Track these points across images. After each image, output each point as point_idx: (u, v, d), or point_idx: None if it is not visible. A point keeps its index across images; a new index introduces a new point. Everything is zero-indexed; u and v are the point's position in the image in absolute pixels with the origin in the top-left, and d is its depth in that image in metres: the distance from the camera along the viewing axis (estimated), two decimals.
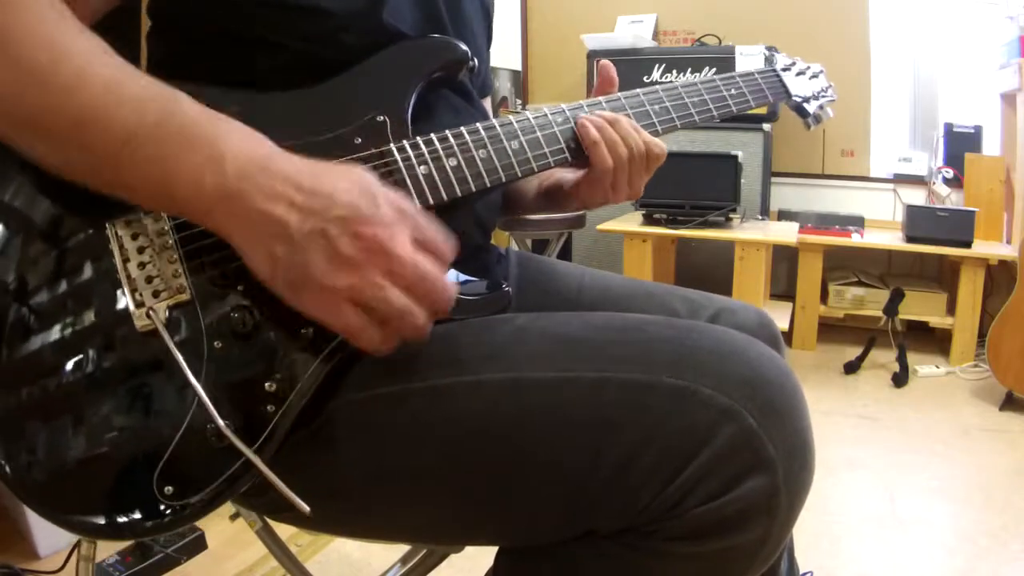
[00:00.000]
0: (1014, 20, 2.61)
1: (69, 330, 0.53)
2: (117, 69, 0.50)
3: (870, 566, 1.44)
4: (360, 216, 0.49)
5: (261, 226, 0.49)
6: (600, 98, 0.73)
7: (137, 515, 0.51)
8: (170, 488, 0.52)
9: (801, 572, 0.84)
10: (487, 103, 0.88)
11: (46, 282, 0.53)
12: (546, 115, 0.69)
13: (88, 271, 0.54)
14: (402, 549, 1.03)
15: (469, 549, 0.73)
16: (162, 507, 0.52)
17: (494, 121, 0.66)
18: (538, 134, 0.67)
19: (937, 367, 2.59)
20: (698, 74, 2.76)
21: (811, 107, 0.90)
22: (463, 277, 0.68)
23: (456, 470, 0.55)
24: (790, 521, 0.52)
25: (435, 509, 0.58)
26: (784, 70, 0.88)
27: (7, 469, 0.50)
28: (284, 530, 0.83)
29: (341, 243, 0.48)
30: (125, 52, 0.54)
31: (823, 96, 0.91)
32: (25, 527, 1.38)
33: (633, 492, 0.50)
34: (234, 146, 0.49)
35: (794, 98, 0.88)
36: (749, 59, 2.68)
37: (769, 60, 0.90)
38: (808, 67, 0.91)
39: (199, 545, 1.39)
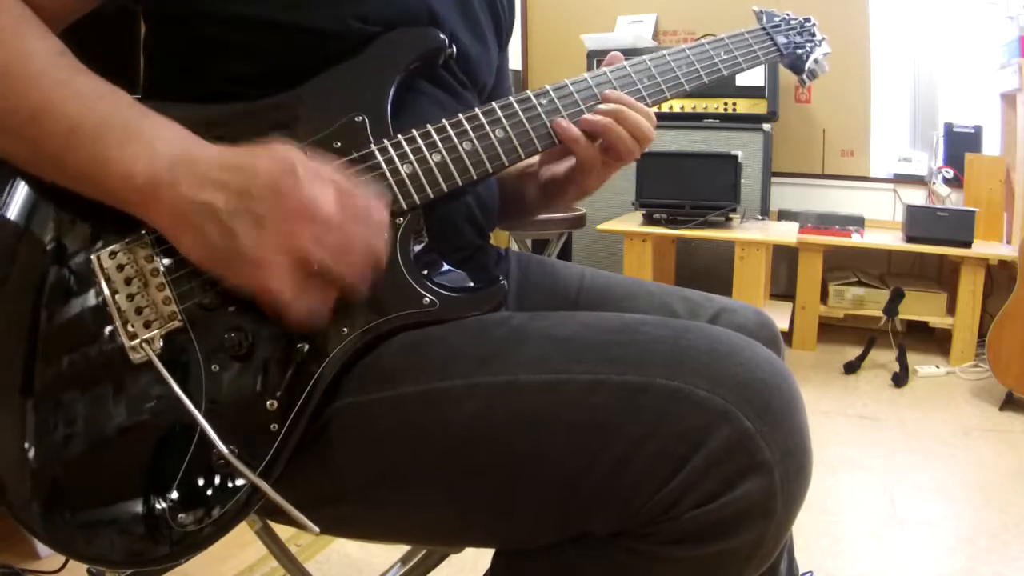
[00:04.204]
0: (1014, 20, 2.61)
1: (66, 370, 0.53)
2: (69, 69, 0.53)
3: (870, 566, 1.44)
4: (280, 186, 0.50)
5: (191, 212, 0.50)
6: (585, 74, 0.70)
7: (155, 546, 0.52)
8: (183, 516, 0.52)
9: (801, 572, 0.83)
10: None
11: (36, 321, 0.53)
12: (530, 98, 0.67)
13: (77, 307, 0.54)
14: (402, 549, 1.03)
15: (469, 549, 0.73)
16: (178, 536, 0.52)
17: (477, 111, 0.64)
18: (523, 119, 0.65)
19: (937, 367, 2.59)
20: None
21: (805, 63, 0.86)
22: (452, 276, 0.67)
23: (452, 473, 0.55)
24: (787, 523, 0.51)
25: (431, 511, 0.58)
26: (774, 27, 0.84)
27: (35, 523, 0.51)
28: (284, 530, 0.83)
29: (264, 212, 0.50)
30: (121, 58, 0.55)
31: (816, 49, 0.87)
32: None
33: (628, 494, 0.50)
34: (164, 141, 0.52)
35: (787, 55, 0.84)
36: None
37: (759, 17, 0.85)
38: (798, 20, 0.87)
39: None
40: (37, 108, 0.50)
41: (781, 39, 0.84)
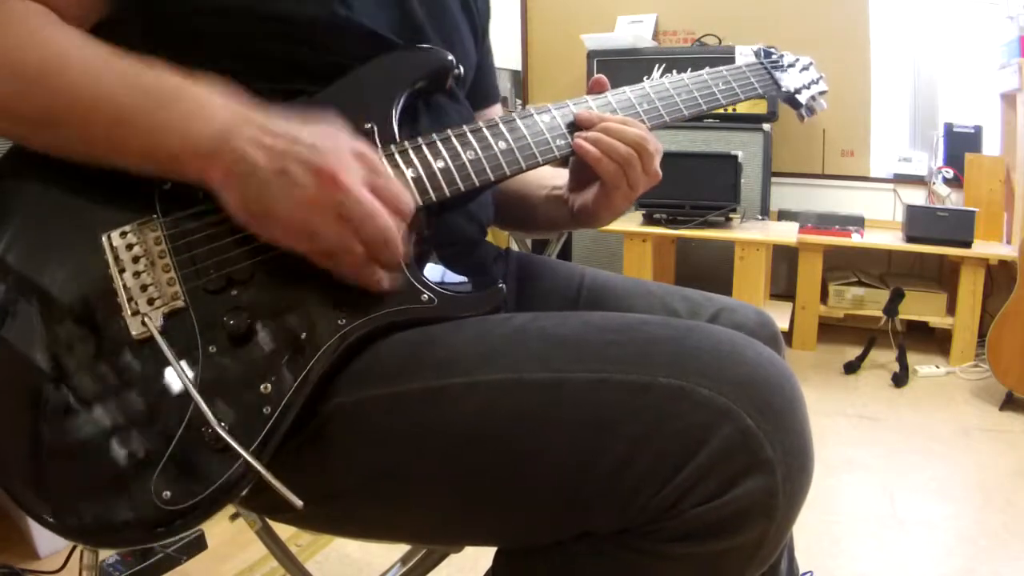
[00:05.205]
0: (1014, 20, 2.61)
1: (65, 341, 0.54)
2: (98, 53, 0.55)
3: (870, 566, 1.44)
4: (318, 152, 0.53)
5: (238, 169, 0.53)
6: (587, 97, 0.73)
7: (138, 522, 0.52)
8: (168, 493, 0.52)
9: (801, 572, 0.83)
10: (496, 110, 0.88)
11: (43, 294, 0.55)
12: (532, 115, 0.70)
13: (83, 282, 0.56)
14: (402, 549, 1.03)
15: (469, 549, 0.73)
16: (162, 513, 0.52)
17: (480, 123, 0.67)
18: (525, 133, 0.68)
19: (937, 367, 2.59)
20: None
21: (802, 98, 0.90)
22: (451, 276, 0.68)
23: (452, 471, 0.55)
24: (788, 522, 0.51)
25: (432, 510, 0.58)
26: (773, 64, 0.88)
27: (18, 494, 0.52)
28: (284, 530, 0.83)
29: (299, 178, 0.53)
30: None
31: (814, 86, 0.91)
32: (25, 527, 1.39)
33: (630, 493, 0.50)
34: (219, 105, 0.55)
35: (784, 90, 0.88)
36: (749, 59, 2.69)
37: (758, 55, 0.89)
38: (797, 59, 0.91)
39: (199, 545, 1.39)
40: (77, 97, 0.53)
41: (779, 75, 0.88)
